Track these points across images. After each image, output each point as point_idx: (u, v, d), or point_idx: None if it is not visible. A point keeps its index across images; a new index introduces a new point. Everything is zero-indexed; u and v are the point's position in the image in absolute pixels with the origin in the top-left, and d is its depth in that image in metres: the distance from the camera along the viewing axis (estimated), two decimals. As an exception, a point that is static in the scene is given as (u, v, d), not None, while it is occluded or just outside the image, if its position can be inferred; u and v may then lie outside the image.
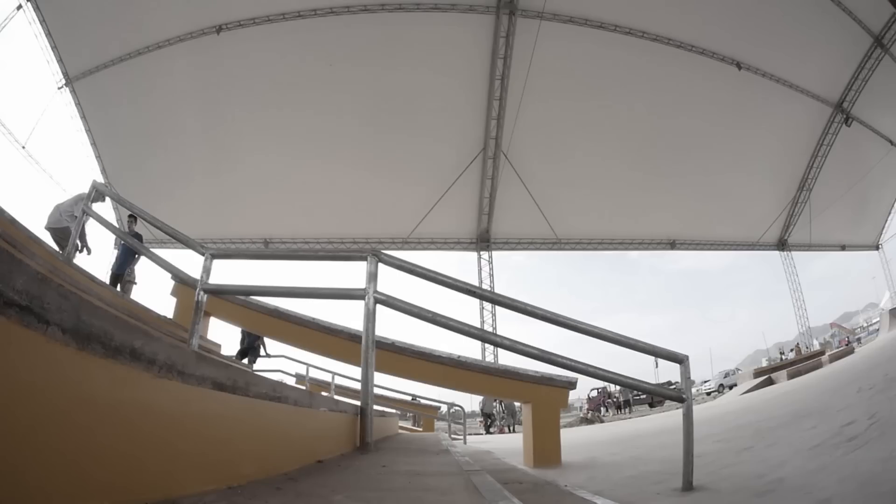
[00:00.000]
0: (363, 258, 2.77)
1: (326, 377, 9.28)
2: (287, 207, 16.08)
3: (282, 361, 9.48)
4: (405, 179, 16.00)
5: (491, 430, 18.64)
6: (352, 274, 3.11)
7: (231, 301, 4.79)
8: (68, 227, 5.44)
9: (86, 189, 5.61)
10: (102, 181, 14.39)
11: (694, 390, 12.24)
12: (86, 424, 0.80)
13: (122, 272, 7.50)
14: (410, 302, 2.77)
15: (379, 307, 2.68)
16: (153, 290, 6.16)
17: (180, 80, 14.10)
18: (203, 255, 3.14)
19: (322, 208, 16.15)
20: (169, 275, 4.49)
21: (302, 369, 9.28)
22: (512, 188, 15.88)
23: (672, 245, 18.82)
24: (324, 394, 6.99)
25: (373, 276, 2.70)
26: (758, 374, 15.43)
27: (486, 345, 13.35)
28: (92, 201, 5.06)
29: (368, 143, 15.24)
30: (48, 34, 13.25)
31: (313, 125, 14.90)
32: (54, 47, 13.54)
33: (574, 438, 8.04)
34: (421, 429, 12.55)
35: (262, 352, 9.05)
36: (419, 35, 13.59)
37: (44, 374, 0.73)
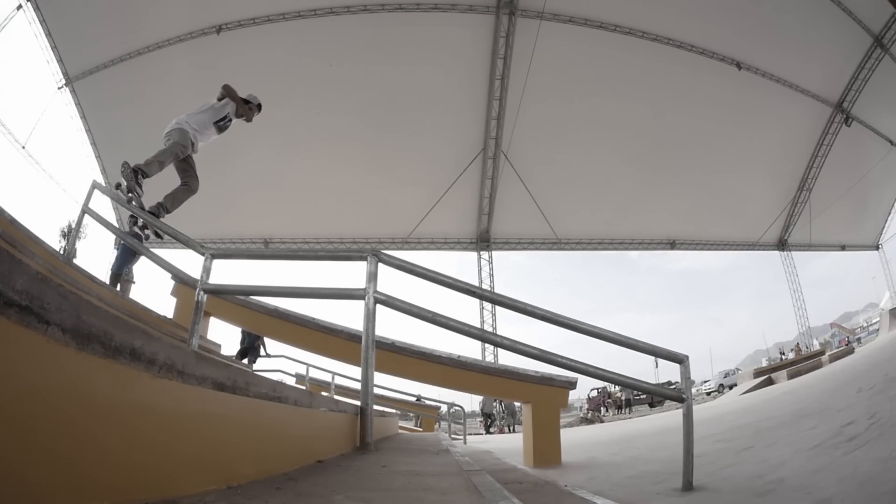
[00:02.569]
0: (363, 258, 2.77)
1: (326, 377, 9.28)
2: (287, 207, 16.08)
3: (282, 361, 9.48)
4: (405, 179, 16.00)
5: (491, 430, 18.66)
6: (352, 274, 3.11)
7: (231, 301, 4.79)
8: (180, 129, 4.29)
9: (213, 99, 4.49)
10: (102, 181, 14.39)
11: (694, 390, 12.24)
12: (86, 424, 0.80)
13: (121, 272, 7.51)
14: (410, 302, 2.76)
15: (379, 307, 2.67)
16: (153, 291, 6.15)
17: (180, 80, 14.07)
18: (203, 255, 3.14)
19: (322, 208, 16.15)
20: (169, 275, 4.49)
21: (302, 369, 9.28)
22: (512, 188, 15.88)
23: (672, 245, 18.81)
24: (324, 394, 6.99)
25: (373, 276, 2.70)
26: (758, 374, 15.44)
27: (486, 345, 13.35)
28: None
29: (368, 143, 15.24)
30: (48, 34, 13.24)
31: (313, 125, 14.90)
32: (54, 47, 13.53)
33: (574, 438, 8.04)
34: (421, 429, 12.56)
35: (262, 352, 9.06)
36: (419, 35, 13.59)
37: (44, 374, 0.73)
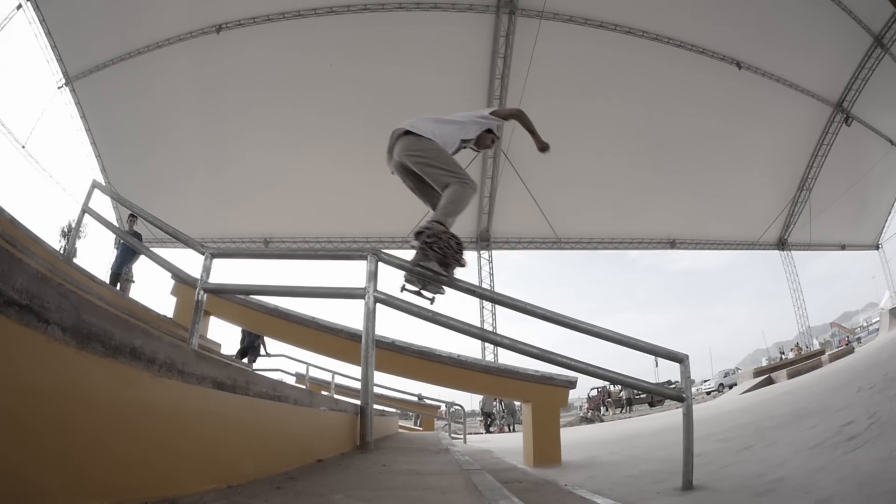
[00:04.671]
0: (363, 257, 2.77)
1: (326, 376, 9.29)
2: (287, 206, 16.07)
3: (282, 361, 9.49)
4: (405, 178, 15.99)
5: (491, 429, 18.67)
6: (352, 273, 3.11)
7: (231, 300, 4.79)
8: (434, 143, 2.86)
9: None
10: (102, 180, 14.39)
11: (694, 390, 12.26)
12: (85, 423, 0.80)
13: (121, 271, 7.52)
14: (410, 301, 2.76)
15: (379, 306, 2.67)
16: (153, 290, 6.14)
17: (180, 80, 14.09)
18: (203, 254, 3.14)
19: (322, 207, 16.15)
20: (169, 274, 4.49)
21: (302, 368, 9.29)
22: (512, 187, 15.87)
23: (672, 244, 18.81)
24: (324, 393, 6.99)
25: (373, 275, 2.70)
26: (758, 373, 15.45)
27: (486, 344, 13.35)
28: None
29: (369, 141, 15.11)
30: (48, 34, 13.24)
31: (313, 124, 14.90)
32: (54, 47, 13.52)
33: (574, 437, 8.05)
34: (421, 428, 12.56)
35: (262, 351, 9.06)
36: (419, 34, 13.58)
37: (44, 373, 0.73)
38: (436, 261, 2.62)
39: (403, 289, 2.80)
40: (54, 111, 14.56)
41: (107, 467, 0.84)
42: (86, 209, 4.64)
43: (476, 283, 14.68)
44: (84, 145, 15.24)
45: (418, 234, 2.63)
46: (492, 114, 3.10)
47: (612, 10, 13.48)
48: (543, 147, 3.17)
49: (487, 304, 16.00)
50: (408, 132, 2.94)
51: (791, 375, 11.59)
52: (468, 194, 2.81)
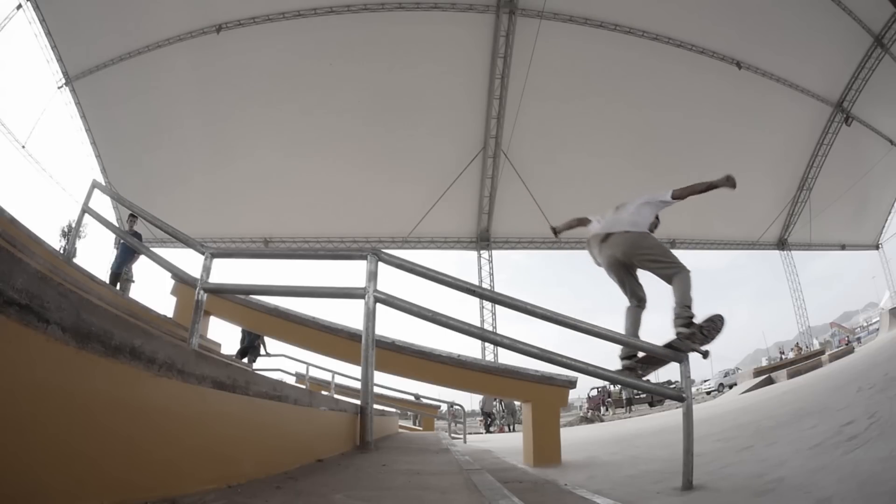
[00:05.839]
0: (363, 257, 2.77)
1: (326, 376, 9.29)
2: (287, 206, 16.08)
3: (282, 360, 9.48)
4: (405, 178, 16.00)
5: (491, 429, 18.67)
6: (352, 273, 3.11)
7: (231, 300, 4.79)
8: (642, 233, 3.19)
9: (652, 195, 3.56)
10: (102, 180, 14.39)
11: (694, 389, 12.24)
12: (85, 423, 0.80)
13: (121, 271, 7.52)
14: (410, 301, 2.76)
15: (379, 306, 2.67)
16: (153, 290, 6.14)
17: (180, 80, 14.09)
18: (203, 254, 3.14)
19: (322, 207, 16.16)
20: (169, 274, 4.49)
21: (302, 368, 9.29)
22: (512, 187, 15.87)
23: (672, 244, 18.75)
24: (324, 393, 6.99)
25: (373, 275, 2.70)
26: (758, 373, 15.45)
27: (486, 344, 13.34)
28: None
29: (369, 142, 15.25)
30: (48, 34, 13.23)
31: (313, 124, 14.90)
32: (54, 47, 13.52)
33: (574, 437, 8.05)
34: (421, 428, 12.56)
35: (262, 351, 9.05)
36: (419, 34, 13.59)
37: (43, 372, 0.72)
38: (700, 343, 2.87)
39: (629, 371, 3.07)
40: (54, 111, 14.57)
41: (107, 467, 0.84)
42: (86, 209, 4.64)
43: (476, 283, 14.68)
44: (84, 145, 15.24)
45: (688, 325, 2.87)
46: (673, 198, 3.47)
47: (612, 10, 13.48)
48: (730, 180, 3.51)
49: (487, 304, 16.00)
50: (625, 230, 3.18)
51: (791, 375, 11.60)
52: (692, 278, 3.05)
